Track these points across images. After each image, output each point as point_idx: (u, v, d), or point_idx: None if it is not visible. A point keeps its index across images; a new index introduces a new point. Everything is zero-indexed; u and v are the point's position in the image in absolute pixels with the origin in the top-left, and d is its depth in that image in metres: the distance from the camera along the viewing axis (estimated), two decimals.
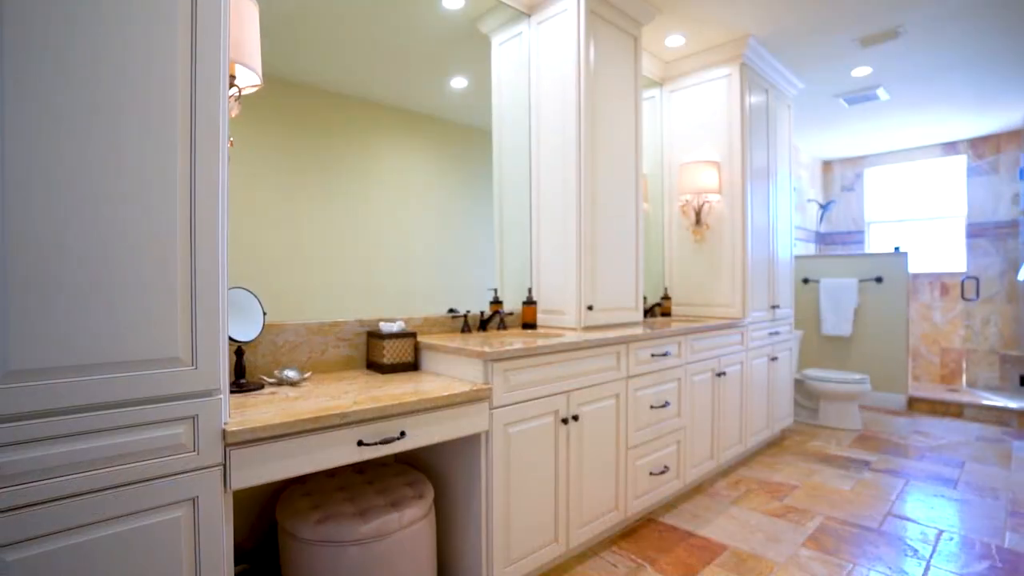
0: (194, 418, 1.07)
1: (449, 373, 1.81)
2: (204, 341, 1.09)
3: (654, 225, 3.40)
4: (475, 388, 1.59)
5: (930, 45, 3.14)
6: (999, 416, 4.09)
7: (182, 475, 1.05)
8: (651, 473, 2.33)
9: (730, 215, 3.15)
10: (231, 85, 1.31)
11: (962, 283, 4.84)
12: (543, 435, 1.84)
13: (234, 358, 1.58)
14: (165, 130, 1.04)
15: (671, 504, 2.56)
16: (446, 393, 1.52)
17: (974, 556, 2.08)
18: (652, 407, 2.33)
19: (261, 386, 1.54)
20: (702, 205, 3.24)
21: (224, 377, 1.13)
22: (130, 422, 1.00)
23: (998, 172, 4.97)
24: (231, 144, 1.30)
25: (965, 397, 4.42)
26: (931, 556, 2.08)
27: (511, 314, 2.41)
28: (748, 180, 3.14)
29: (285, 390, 1.52)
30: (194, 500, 1.07)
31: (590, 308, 2.35)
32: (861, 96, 3.88)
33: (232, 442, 1.12)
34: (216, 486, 1.10)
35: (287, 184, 1.80)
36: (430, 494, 1.64)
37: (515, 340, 2.02)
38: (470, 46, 2.39)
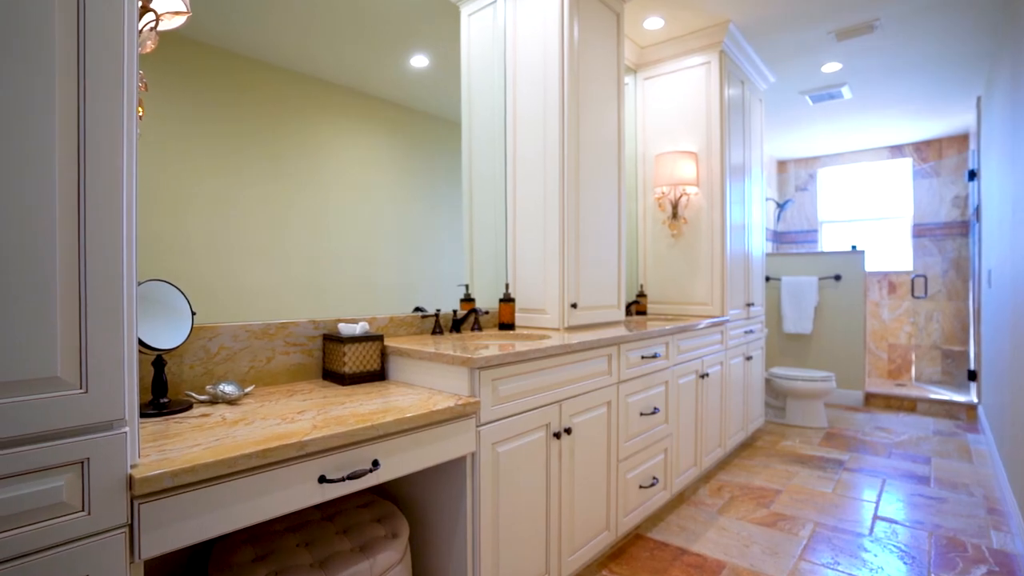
0: (83, 463, 0.75)
1: (423, 383, 1.53)
2: (99, 352, 0.77)
3: (628, 219, 3.23)
4: (461, 402, 1.32)
5: (900, 41, 3.14)
6: (949, 410, 4.22)
7: (65, 548, 0.73)
8: (640, 486, 2.14)
9: (708, 209, 3.02)
10: (145, 8, 0.98)
11: (912, 281, 5.00)
12: (534, 453, 1.59)
13: (151, 371, 1.23)
14: (35, 49, 0.72)
15: (657, 517, 2.37)
16: (427, 410, 1.24)
17: (970, 560, 2.02)
18: (642, 414, 2.13)
19: (189, 406, 1.21)
20: (679, 198, 3.10)
21: (131, 401, 0.81)
22: None
23: (939, 175, 5.18)
24: (143, 87, 0.97)
25: (915, 392, 4.55)
26: (929, 563, 1.99)
27: (487, 313, 2.15)
28: (727, 173, 3.02)
29: (221, 410, 1.20)
30: None
31: (574, 306, 2.13)
32: (826, 94, 3.89)
33: (142, 493, 0.80)
34: (118, 557, 0.78)
35: (224, 164, 1.46)
36: (405, 531, 1.35)
37: (495, 343, 1.77)
38: (435, 17, 2.11)
